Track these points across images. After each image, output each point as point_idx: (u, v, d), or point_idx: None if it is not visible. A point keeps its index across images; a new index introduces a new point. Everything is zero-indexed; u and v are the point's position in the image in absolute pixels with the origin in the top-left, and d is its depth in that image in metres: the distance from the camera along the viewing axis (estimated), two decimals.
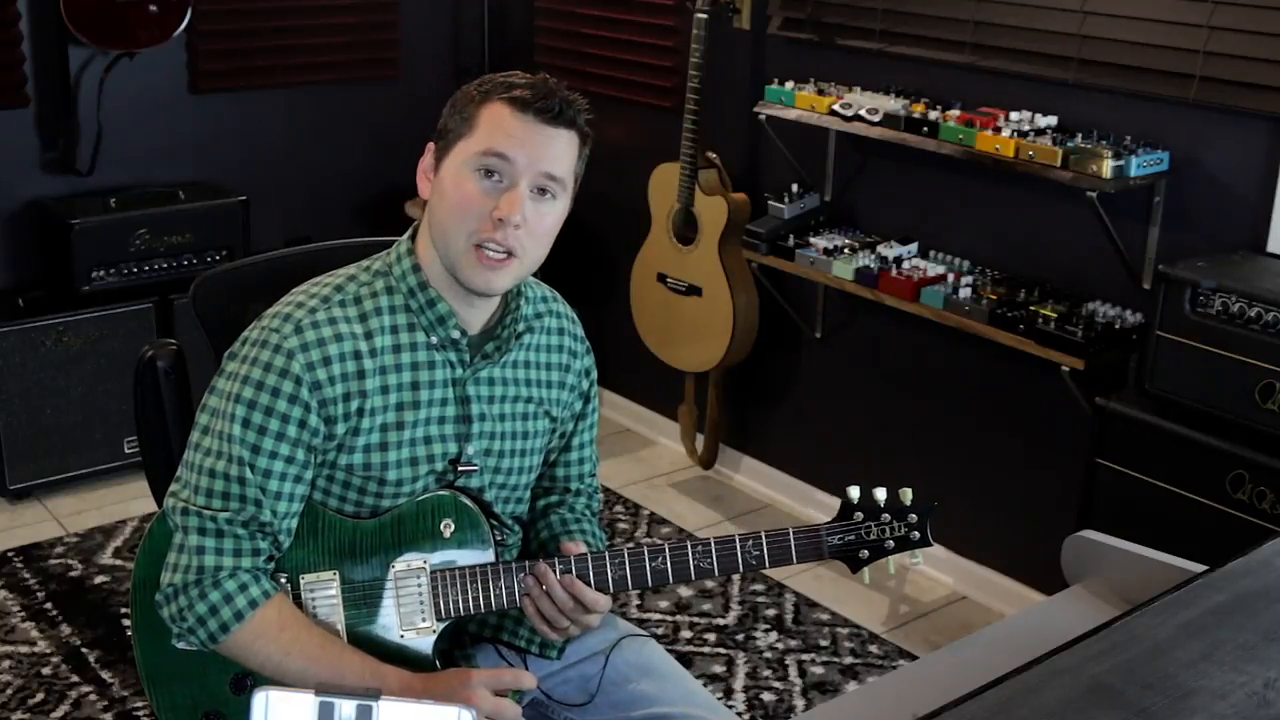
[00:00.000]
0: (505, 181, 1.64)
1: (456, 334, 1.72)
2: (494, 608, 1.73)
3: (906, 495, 1.78)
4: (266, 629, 1.62)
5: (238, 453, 1.63)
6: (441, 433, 1.73)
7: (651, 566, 1.73)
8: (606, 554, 1.73)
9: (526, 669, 1.78)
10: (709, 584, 3.41)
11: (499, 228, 1.63)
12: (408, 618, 1.70)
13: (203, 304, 1.94)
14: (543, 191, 1.66)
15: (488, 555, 1.74)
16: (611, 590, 1.73)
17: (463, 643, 1.83)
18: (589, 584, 1.72)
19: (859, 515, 1.77)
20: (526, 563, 1.73)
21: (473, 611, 1.73)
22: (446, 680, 1.65)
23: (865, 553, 1.78)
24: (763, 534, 1.74)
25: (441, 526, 1.72)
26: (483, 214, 1.64)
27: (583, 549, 1.75)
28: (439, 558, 1.72)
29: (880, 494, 1.78)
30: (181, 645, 1.66)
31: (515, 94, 1.65)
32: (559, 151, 1.67)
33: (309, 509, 1.69)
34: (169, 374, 1.92)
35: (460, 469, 1.74)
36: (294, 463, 1.65)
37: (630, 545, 1.76)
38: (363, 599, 1.70)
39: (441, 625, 1.72)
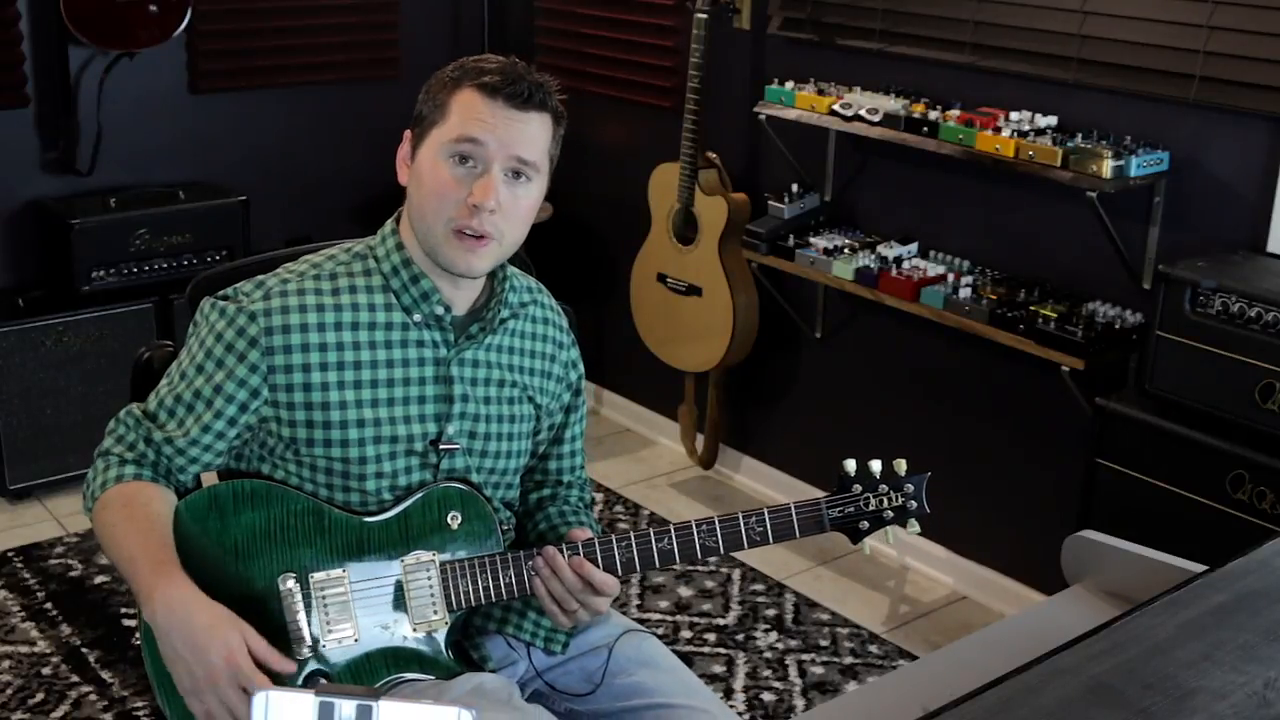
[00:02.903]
0: (479, 167, 1.68)
1: (440, 310, 1.75)
2: (504, 596, 1.75)
3: (901, 466, 1.81)
4: (114, 500, 1.68)
5: (182, 391, 1.72)
6: (421, 413, 1.75)
7: (658, 548, 1.75)
8: (613, 537, 1.75)
9: (530, 661, 1.84)
10: (709, 584, 3.42)
11: (474, 213, 1.67)
12: (419, 611, 1.72)
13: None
14: (517, 175, 1.70)
15: (495, 545, 1.76)
16: (620, 573, 1.75)
17: (470, 635, 1.84)
18: (597, 567, 1.74)
19: (857, 487, 1.79)
20: (534, 549, 1.75)
21: (483, 601, 1.75)
22: (219, 622, 1.56)
23: (865, 524, 1.80)
24: (765, 510, 1.77)
25: (449, 519, 1.74)
26: (458, 200, 1.68)
27: (589, 535, 1.77)
28: (447, 550, 1.73)
29: (876, 466, 1.80)
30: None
31: (485, 80, 1.69)
32: (531, 135, 1.70)
33: (314, 508, 1.71)
34: None
35: (442, 448, 1.76)
36: (221, 416, 1.70)
37: (637, 529, 1.76)
38: (374, 595, 1.71)
39: (453, 616, 1.73)
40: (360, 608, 1.70)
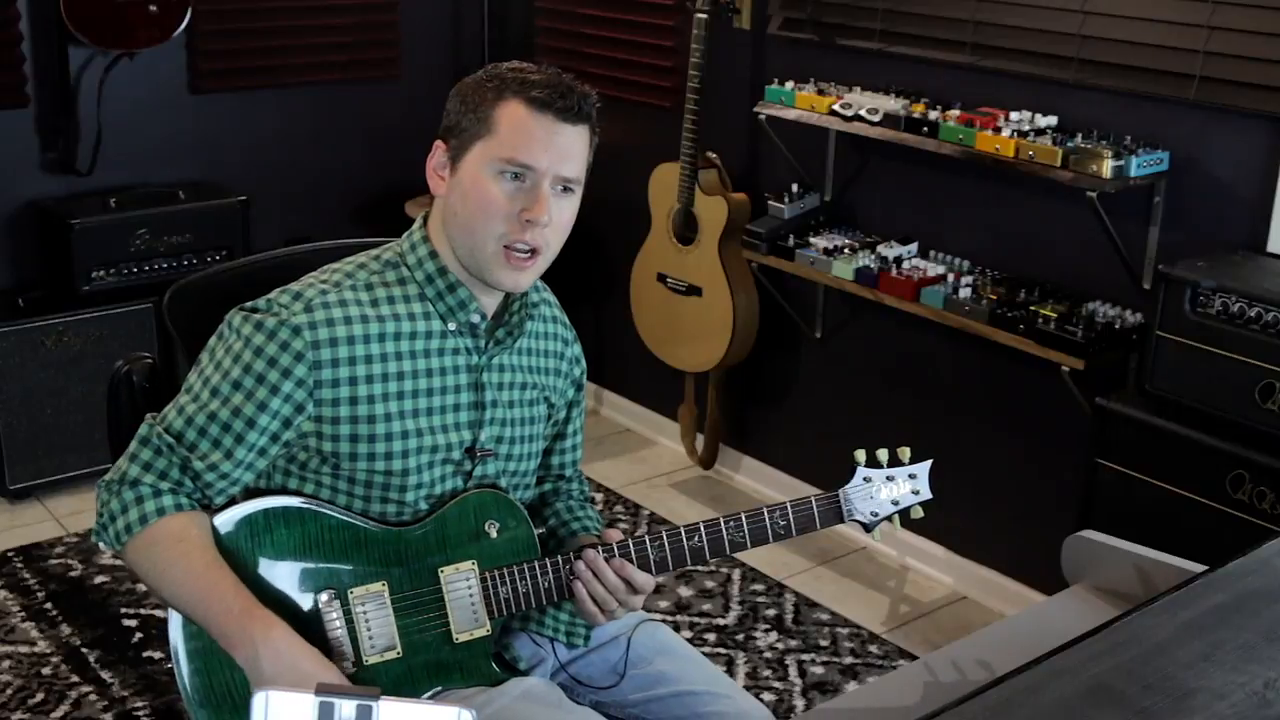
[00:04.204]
0: (528, 182, 1.67)
1: (477, 318, 1.75)
2: (544, 601, 1.76)
3: (905, 454, 1.86)
4: (162, 538, 1.62)
5: (218, 409, 1.65)
6: (456, 420, 1.75)
7: (690, 545, 1.77)
8: (646, 537, 1.77)
9: (555, 656, 1.86)
10: (709, 584, 3.42)
11: (527, 228, 1.67)
12: (461, 620, 1.71)
13: (177, 313, 1.93)
14: (565, 189, 1.70)
15: (534, 551, 1.77)
16: (654, 572, 1.77)
17: (498, 636, 1.83)
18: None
19: (870, 477, 1.83)
20: (570, 553, 1.76)
21: (523, 607, 1.75)
22: (322, 669, 1.59)
23: (879, 512, 1.83)
24: (788, 503, 1.79)
25: (486, 526, 1.74)
26: (510, 216, 1.67)
27: (620, 536, 1.78)
28: (486, 558, 1.73)
29: (883, 455, 1.85)
30: (101, 544, 1.69)
31: (534, 94, 1.67)
32: (578, 149, 1.71)
33: (349, 522, 1.69)
34: (145, 387, 1.91)
35: (479, 454, 1.76)
36: (264, 434, 1.65)
37: (668, 527, 1.79)
38: (414, 607, 1.70)
39: (494, 624, 1.74)
40: (401, 620, 1.69)
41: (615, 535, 1.78)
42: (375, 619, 1.68)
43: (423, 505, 1.74)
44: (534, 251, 1.68)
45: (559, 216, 1.70)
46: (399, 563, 1.70)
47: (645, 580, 1.75)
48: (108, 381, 1.94)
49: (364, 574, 1.69)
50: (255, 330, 1.66)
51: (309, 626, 1.65)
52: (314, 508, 1.69)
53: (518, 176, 1.67)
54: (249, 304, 1.71)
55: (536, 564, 1.75)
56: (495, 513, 1.75)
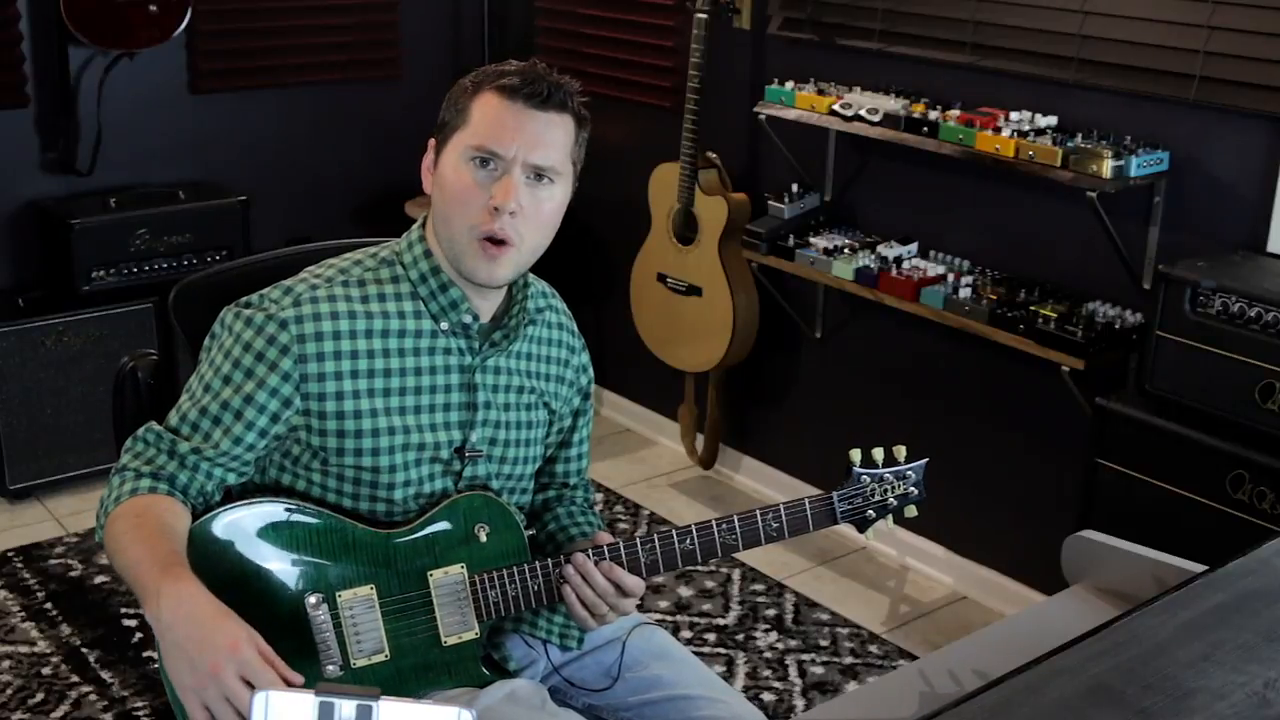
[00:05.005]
0: (498, 170, 1.67)
1: (469, 319, 1.74)
2: (533, 605, 1.76)
3: (901, 453, 1.85)
4: (125, 513, 1.60)
5: (208, 403, 1.67)
6: (446, 420, 1.75)
7: (681, 548, 1.76)
8: (638, 540, 1.76)
9: (548, 658, 1.86)
10: (709, 584, 3.42)
11: (495, 216, 1.66)
12: (450, 624, 1.71)
13: (182, 311, 1.93)
14: (539, 177, 1.69)
15: (524, 555, 1.77)
16: (644, 575, 1.76)
17: (489, 636, 1.83)
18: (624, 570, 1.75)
19: (865, 477, 1.82)
20: (561, 557, 1.75)
21: (513, 610, 1.75)
22: (228, 618, 1.47)
23: (872, 513, 1.83)
24: (781, 505, 1.78)
25: (476, 530, 1.74)
26: (481, 204, 1.66)
27: (612, 539, 1.77)
28: (476, 561, 1.73)
29: (878, 454, 1.84)
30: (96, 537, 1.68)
31: (504, 82, 1.68)
32: (552, 137, 1.69)
33: (338, 525, 1.69)
34: (150, 384, 1.92)
35: (468, 455, 1.76)
36: (252, 428, 1.66)
37: (660, 529, 1.78)
38: (403, 610, 1.70)
39: (483, 627, 1.73)
40: (390, 623, 1.69)
41: (606, 538, 1.77)
42: (363, 622, 1.68)
43: (412, 505, 1.73)
44: (505, 242, 1.67)
45: (533, 207, 1.68)
46: (387, 565, 1.70)
47: (635, 583, 1.74)
48: (110, 380, 1.94)
49: (352, 577, 1.68)
50: (245, 326, 1.67)
51: (297, 629, 1.65)
52: (302, 510, 1.69)
53: (487, 163, 1.66)
54: (241, 300, 1.72)
55: (526, 567, 1.74)
56: (485, 516, 1.75)
